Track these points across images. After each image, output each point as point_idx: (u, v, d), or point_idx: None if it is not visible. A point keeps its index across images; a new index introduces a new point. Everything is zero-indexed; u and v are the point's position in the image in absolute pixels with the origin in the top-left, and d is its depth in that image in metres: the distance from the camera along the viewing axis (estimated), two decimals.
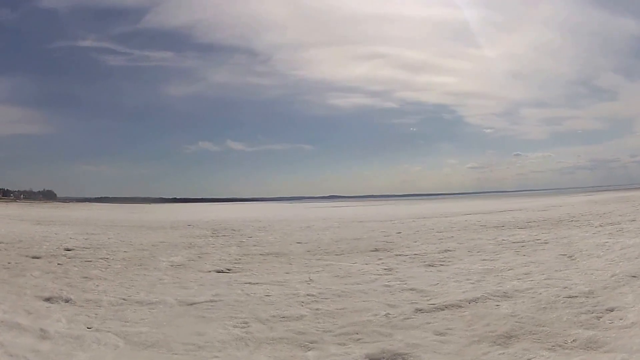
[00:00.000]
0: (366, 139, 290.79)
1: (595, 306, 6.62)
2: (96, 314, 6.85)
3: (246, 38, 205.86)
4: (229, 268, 10.97)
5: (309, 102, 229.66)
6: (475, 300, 7.36)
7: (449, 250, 13.07)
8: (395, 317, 6.52)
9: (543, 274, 9.16)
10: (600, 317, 6.11)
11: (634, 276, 8.27)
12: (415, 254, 12.53)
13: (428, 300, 7.47)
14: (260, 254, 13.14)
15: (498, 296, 7.54)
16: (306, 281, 9.23)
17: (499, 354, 5.04)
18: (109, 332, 6.00)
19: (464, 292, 7.99)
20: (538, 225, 19.24)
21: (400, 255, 12.57)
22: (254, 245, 15.29)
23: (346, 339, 5.66)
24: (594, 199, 45.52)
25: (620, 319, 5.98)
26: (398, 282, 8.95)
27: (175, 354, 5.34)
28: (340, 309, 7.00)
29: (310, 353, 5.26)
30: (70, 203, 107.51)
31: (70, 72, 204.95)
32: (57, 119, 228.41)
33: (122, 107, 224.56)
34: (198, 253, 13.60)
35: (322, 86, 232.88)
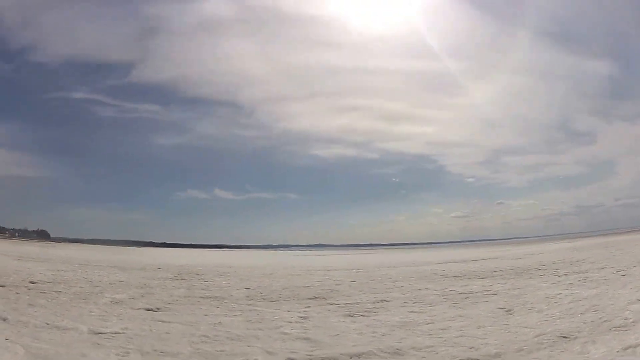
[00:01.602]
0: (350, 189, 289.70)
1: None
2: (19, 331, 7.87)
3: (230, 92, 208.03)
4: (158, 307, 11.36)
5: (292, 152, 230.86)
6: (359, 355, 6.99)
7: (385, 301, 12.56)
8: None
9: (460, 330, 8.47)
10: None
11: (564, 336, 7.52)
12: (347, 304, 12.16)
13: (311, 350, 7.30)
14: (201, 297, 13.40)
15: (388, 352, 7.08)
16: (215, 324, 9.35)
17: None
18: (18, 344, 7.00)
19: (355, 345, 7.55)
20: (501, 275, 18.61)
21: (332, 304, 12.22)
22: (202, 289, 15.60)
23: None
24: (575, 246, 44.81)
25: None
26: (298, 331, 8.72)
27: None
28: (220, 351, 7.25)
29: None
30: (63, 243, 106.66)
31: (64, 121, 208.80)
32: (51, 164, 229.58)
33: (113, 155, 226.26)
34: (144, 292, 14.08)
35: (305, 137, 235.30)
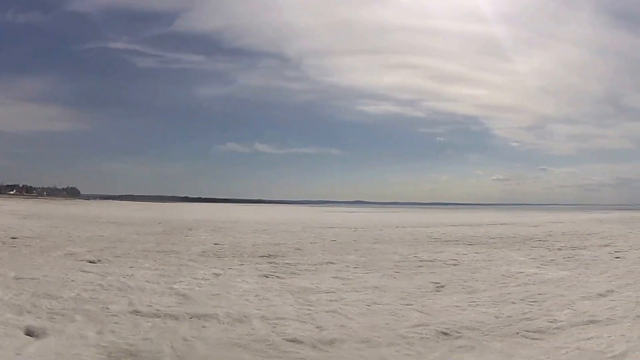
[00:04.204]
0: (394, 147, 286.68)
1: None
2: None
3: (277, 44, 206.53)
4: (100, 260, 11.82)
5: (338, 107, 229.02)
6: (204, 315, 6.66)
7: (331, 263, 12.06)
8: (111, 312, 6.71)
9: (346, 305, 7.51)
10: None
11: (445, 333, 6.08)
12: (288, 264, 11.86)
13: (171, 306, 7.12)
14: (157, 251, 13.73)
15: (233, 318, 6.56)
16: (126, 275, 9.61)
17: None
18: None
19: (220, 307, 7.14)
20: (493, 243, 17.79)
21: (273, 263, 11.98)
22: (171, 244, 15.93)
23: (57, 315, 6.46)
24: (601, 218, 43.01)
25: None
26: (186, 287, 8.63)
27: None
28: (93, 298, 7.47)
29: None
30: (91, 200, 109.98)
31: (102, 73, 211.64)
32: (87, 117, 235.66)
33: (152, 107, 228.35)
34: (107, 246, 14.60)
35: (352, 93, 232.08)
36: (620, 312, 7.12)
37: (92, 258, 11.88)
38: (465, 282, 9.78)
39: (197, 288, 8.54)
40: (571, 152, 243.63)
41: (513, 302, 7.88)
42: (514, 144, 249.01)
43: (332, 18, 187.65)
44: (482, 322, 6.56)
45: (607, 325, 6.44)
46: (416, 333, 6.03)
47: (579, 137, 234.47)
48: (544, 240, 19.10)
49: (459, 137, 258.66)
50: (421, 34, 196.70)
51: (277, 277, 10.05)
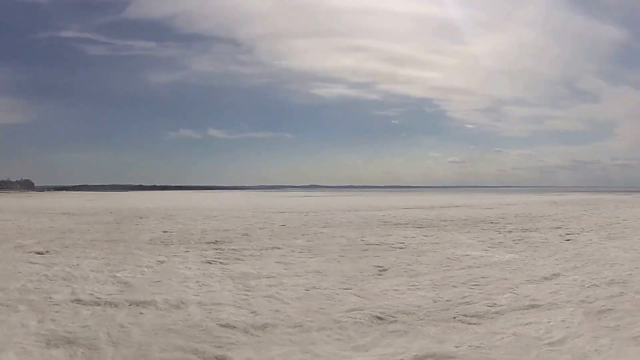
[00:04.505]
0: (348, 130, 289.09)
1: None
2: None
3: (229, 28, 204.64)
4: (48, 251, 11.84)
5: (291, 91, 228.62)
6: (143, 302, 6.69)
7: (276, 248, 12.14)
8: (54, 301, 6.75)
9: (284, 288, 7.66)
10: None
11: (379, 317, 6.00)
12: (234, 249, 11.93)
13: (112, 294, 7.16)
14: (106, 240, 13.78)
15: (170, 304, 6.60)
16: (72, 265, 9.62)
17: None
18: None
19: (158, 293, 7.21)
20: (443, 226, 18.10)
21: (219, 249, 12.01)
22: (120, 232, 16.07)
23: (1, 306, 6.42)
24: (556, 200, 43.99)
25: None
26: (129, 275, 8.64)
27: None
28: (37, 289, 7.50)
29: None
30: (45, 192, 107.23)
31: (52, 62, 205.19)
32: (38, 107, 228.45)
33: (104, 95, 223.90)
34: (57, 237, 14.61)
35: (306, 76, 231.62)
36: (564, 297, 6.98)
37: (41, 249, 11.87)
38: (409, 265, 9.76)
39: (140, 276, 8.59)
40: (526, 134, 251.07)
41: (454, 286, 7.79)
42: (469, 126, 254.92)
43: (285, 1, 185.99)
44: (419, 306, 6.48)
45: (548, 309, 6.30)
46: (350, 317, 5.94)
47: (534, 119, 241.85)
48: (496, 223, 19.41)
49: (413, 119, 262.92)
50: (375, 16, 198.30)
51: (220, 263, 10.08)
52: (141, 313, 6.17)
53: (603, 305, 6.44)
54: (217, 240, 13.64)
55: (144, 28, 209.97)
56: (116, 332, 5.38)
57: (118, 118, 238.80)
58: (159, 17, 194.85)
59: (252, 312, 6.22)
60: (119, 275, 8.55)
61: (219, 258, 10.60)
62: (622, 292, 7.24)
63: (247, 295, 7.18)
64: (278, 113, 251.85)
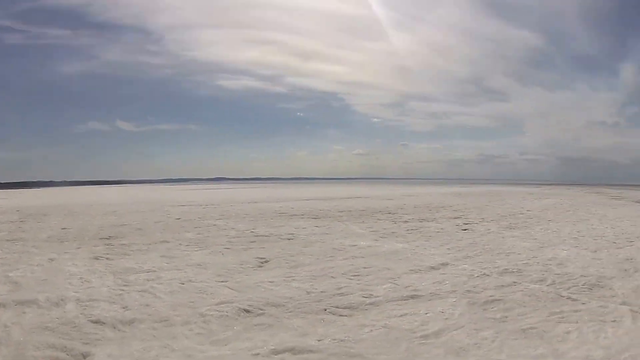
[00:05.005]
0: (254, 122, 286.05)
1: None
2: None
3: (141, 17, 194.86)
4: None
5: (197, 82, 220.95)
6: (23, 302, 6.55)
7: (165, 242, 12.09)
8: None
9: (158, 282, 7.77)
10: None
11: (247, 310, 6.09)
12: (124, 244, 11.84)
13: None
14: (7, 240, 13.07)
15: (50, 302, 6.55)
16: None
17: None
18: None
19: (39, 292, 7.03)
20: (340, 217, 18.38)
21: (110, 245, 11.84)
22: (22, 231, 15.11)
23: None
24: (462, 191, 45.24)
25: None
26: (19, 274, 8.44)
27: None
28: None
29: None
30: None
31: None
32: None
33: (15, 87, 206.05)
34: None
35: (212, 67, 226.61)
36: (448, 287, 7.02)
37: None
38: (292, 256, 9.85)
39: (30, 274, 8.38)
40: (432, 128, 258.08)
41: (333, 277, 7.80)
42: (374, 119, 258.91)
43: None
44: (291, 297, 6.50)
45: (429, 300, 6.30)
46: (217, 311, 5.94)
47: (441, 114, 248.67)
48: (393, 213, 19.74)
49: (318, 112, 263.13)
50: (284, 10, 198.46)
51: (107, 258, 9.96)
52: (24, 312, 6.06)
53: (491, 296, 6.46)
54: (111, 235, 13.32)
55: (60, 15, 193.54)
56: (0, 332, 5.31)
57: (27, 111, 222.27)
58: (75, 4, 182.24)
59: (124, 307, 6.22)
60: (11, 275, 8.28)
61: (108, 254, 10.42)
62: (515, 282, 7.31)
63: (122, 290, 7.15)
64: (183, 104, 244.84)
